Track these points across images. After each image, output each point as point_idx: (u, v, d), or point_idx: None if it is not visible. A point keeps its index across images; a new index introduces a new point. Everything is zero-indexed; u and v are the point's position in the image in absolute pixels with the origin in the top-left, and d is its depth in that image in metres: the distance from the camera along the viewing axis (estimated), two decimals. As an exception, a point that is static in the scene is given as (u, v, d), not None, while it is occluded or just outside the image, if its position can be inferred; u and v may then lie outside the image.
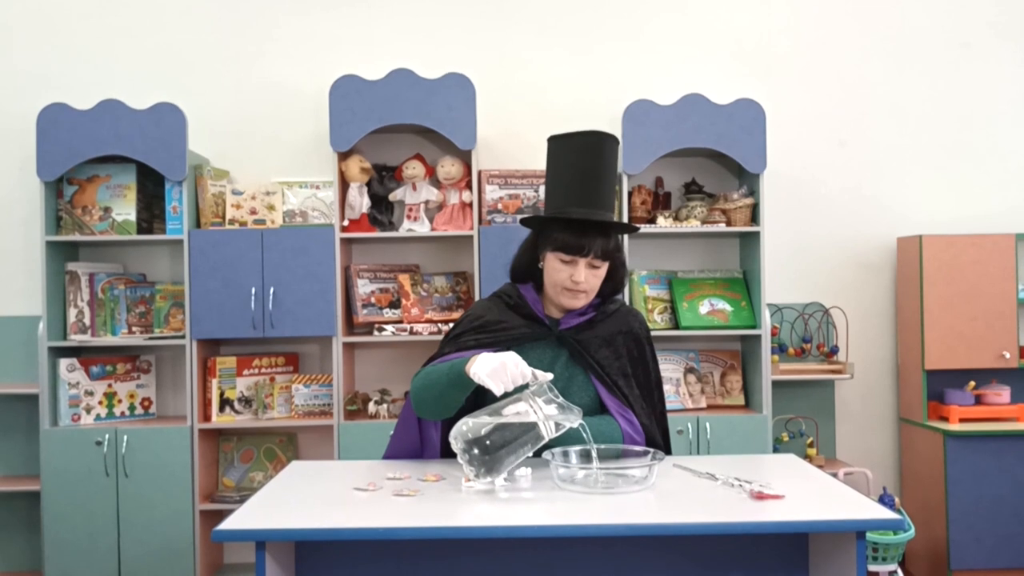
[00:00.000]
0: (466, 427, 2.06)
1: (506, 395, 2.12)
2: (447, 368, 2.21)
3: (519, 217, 3.80)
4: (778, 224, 4.27)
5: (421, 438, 2.40)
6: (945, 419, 4.12)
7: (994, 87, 4.42)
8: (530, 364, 2.33)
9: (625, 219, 3.96)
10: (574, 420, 2.08)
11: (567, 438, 2.18)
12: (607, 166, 2.37)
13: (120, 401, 4.04)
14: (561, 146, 2.40)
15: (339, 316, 3.92)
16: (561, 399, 2.10)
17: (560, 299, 2.36)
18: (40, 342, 3.88)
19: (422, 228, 4.03)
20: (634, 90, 4.21)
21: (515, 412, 2.07)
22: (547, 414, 2.06)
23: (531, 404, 2.07)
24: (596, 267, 2.33)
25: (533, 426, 2.05)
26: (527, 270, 2.44)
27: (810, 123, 4.37)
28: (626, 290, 3.93)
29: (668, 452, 2.44)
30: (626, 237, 3.93)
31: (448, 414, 2.27)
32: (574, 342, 2.38)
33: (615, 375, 2.38)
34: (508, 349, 2.35)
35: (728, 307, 4.09)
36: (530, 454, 2.08)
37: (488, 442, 2.03)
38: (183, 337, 3.95)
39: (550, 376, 2.13)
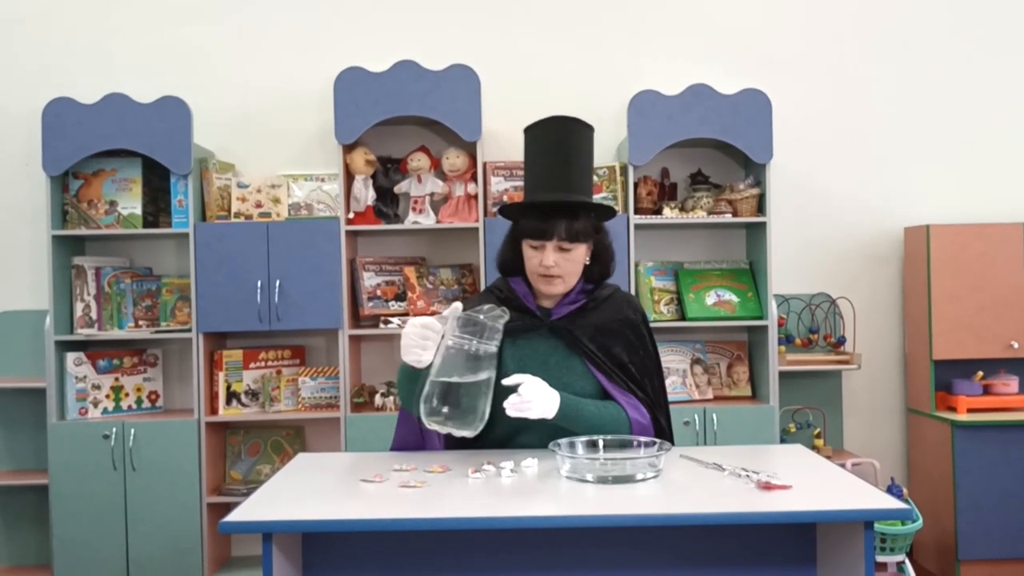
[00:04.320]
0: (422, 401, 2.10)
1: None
2: (400, 366, 2.25)
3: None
4: (784, 214, 4.26)
5: (421, 429, 2.41)
6: (953, 409, 4.10)
7: (1002, 77, 4.40)
8: (525, 356, 2.35)
9: (631, 210, 3.95)
10: (498, 317, 2.11)
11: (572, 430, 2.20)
12: (574, 150, 2.36)
13: (127, 395, 4.05)
14: (531, 135, 2.42)
15: (345, 309, 3.92)
16: (484, 316, 2.11)
17: (538, 286, 2.36)
18: (47, 336, 3.89)
19: (427, 220, 4.03)
20: (639, 81, 4.20)
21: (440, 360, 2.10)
22: (461, 334, 2.09)
23: (452, 340, 2.09)
24: (566, 250, 2.31)
25: (471, 356, 2.09)
26: (512, 262, 2.44)
27: (816, 113, 4.35)
28: (632, 281, 3.92)
29: (670, 436, 2.43)
30: (632, 228, 3.92)
31: None
32: (567, 331, 2.38)
33: (611, 363, 2.37)
34: (500, 343, 2.36)
35: (734, 298, 4.08)
36: (488, 376, 2.10)
37: (440, 399, 2.07)
38: (189, 330, 3.95)
39: (458, 305, 2.16)
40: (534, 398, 2.17)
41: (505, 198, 4.01)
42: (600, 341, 2.38)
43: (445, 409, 2.06)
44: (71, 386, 3.90)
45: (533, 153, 2.40)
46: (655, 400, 2.42)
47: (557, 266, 2.31)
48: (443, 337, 2.11)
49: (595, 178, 4.06)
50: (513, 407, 2.15)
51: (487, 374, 2.10)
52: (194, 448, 3.87)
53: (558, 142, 2.36)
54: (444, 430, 2.11)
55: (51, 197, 3.90)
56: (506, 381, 2.19)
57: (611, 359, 2.37)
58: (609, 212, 2.42)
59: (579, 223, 2.31)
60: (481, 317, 2.09)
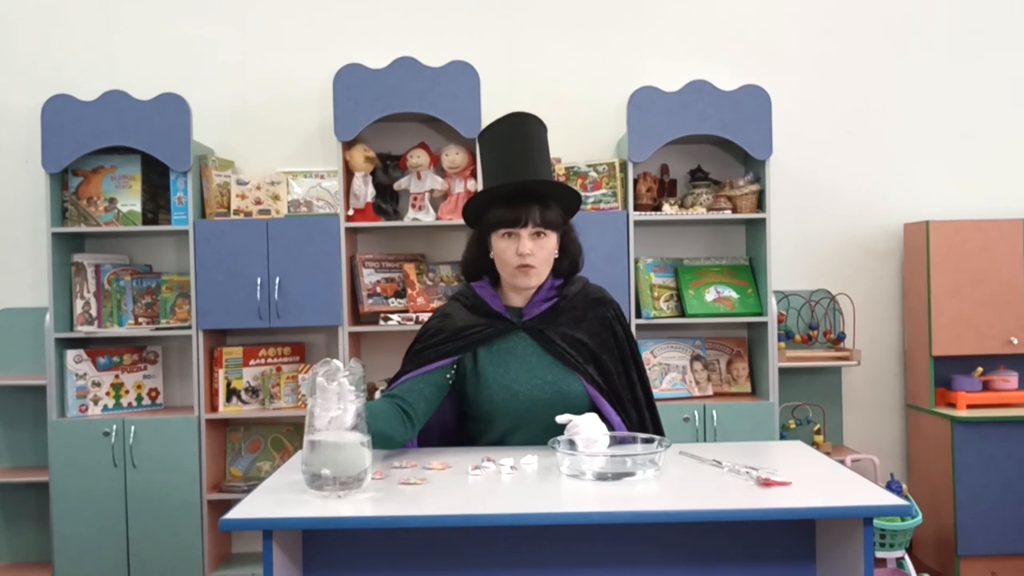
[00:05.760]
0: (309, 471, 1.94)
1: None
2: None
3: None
4: (784, 211, 4.26)
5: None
6: (952, 405, 4.10)
7: (1001, 73, 4.40)
8: (501, 359, 2.35)
9: (631, 207, 3.95)
10: (353, 372, 1.94)
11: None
12: (532, 142, 2.37)
13: (127, 392, 4.05)
14: (486, 138, 2.43)
15: (345, 306, 3.92)
16: (339, 376, 1.94)
17: (514, 280, 2.34)
18: (47, 333, 3.89)
19: (427, 217, 4.03)
20: (639, 77, 4.20)
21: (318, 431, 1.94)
22: (323, 396, 1.92)
23: (317, 403, 1.94)
24: (540, 236, 2.31)
25: (339, 417, 1.92)
26: (477, 265, 2.42)
27: (816, 109, 4.35)
28: (631, 277, 3.92)
29: (658, 427, 2.43)
30: (631, 224, 3.92)
31: (395, 437, 2.26)
32: (539, 332, 2.37)
33: (585, 362, 2.36)
34: (476, 351, 2.37)
35: (734, 294, 4.08)
36: (361, 437, 1.93)
37: (319, 463, 1.91)
38: (189, 328, 3.95)
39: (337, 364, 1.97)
40: (590, 431, 2.17)
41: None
42: (572, 340, 2.36)
43: (326, 472, 1.89)
44: (71, 383, 3.90)
45: (492, 151, 2.40)
46: (633, 397, 2.41)
47: (533, 255, 2.29)
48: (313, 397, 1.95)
49: (594, 174, 4.06)
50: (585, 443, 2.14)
51: (358, 433, 1.94)
52: (194, 445, 3.88)
53: (517, 136, 2.37)
54: (330, 493, 1.90)
55: (50, 194, 3.90)
56: (560, 419, 2.19)
57: (584, 357, 2.36)
58: (576, 198, 2.41)
59: (551, 211, 2.32)
60: (334, 381, 1.92)
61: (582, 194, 4.00)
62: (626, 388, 2.39)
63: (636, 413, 2.39)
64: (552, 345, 2.35)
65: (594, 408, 2.33)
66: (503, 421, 2.35)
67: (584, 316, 2.40)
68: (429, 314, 3.91)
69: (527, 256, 2.29)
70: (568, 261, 2.41)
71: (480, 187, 3.96)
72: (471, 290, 2.43)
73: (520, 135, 2.37)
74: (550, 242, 2.33)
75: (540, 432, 2.26)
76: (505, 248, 2.31)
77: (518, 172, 2.32)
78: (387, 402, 2.30)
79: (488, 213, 2.34)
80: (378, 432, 2.12)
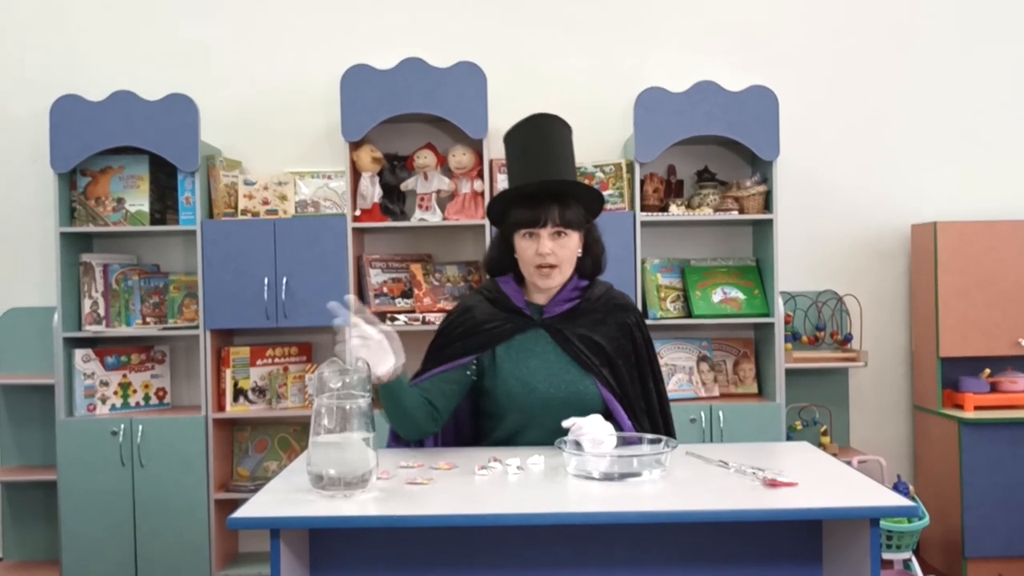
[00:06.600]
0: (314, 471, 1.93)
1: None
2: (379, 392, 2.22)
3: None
4: (791, 211, 4.25)
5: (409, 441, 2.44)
6: (960, 407, 4.09)
7: (1009, 73, 4.38)
8: (520, 355, 2.36)
9: (638, 207, 3.95)
10: (359, 370, 1.96)
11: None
12: (556, 143, 2.38)
13: (135, 391, 4.06)
14: (510, 139, 2.44)
15: (352, 306, 3.91)
16: (348, 373, 1.96)
17: (534, 279, 2.36)
18: (55, 333, 3.90)
19: (434, 217, 4.03)
20: (646, 78, 4.19)
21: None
22: (333, 393, 1.93)
23: (323, 401, 1.94)
24: (561, 236, 2.32)
25: (346, 414, 1.92)
26: (500, 262, 2.44)
27: (823, 110, 4.34)
28: (638, 278, 3.92)
29: (671, 434, 2.43)
30: (638, 225, 3.92)
31: (421, 425, 2.31)
32: (557, 331, 2.38)
33: (601, 365, 2.36)
34: (495, 347, 2.38)
35: (741, 295, 4.08)
36: (368, 434, 1.92)
37: (325, 463, 1.90)
38: (197, 327, 3.96)
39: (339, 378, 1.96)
40: (595, 432, 2.15)
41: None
42: (590, 342, 2.37)
43: (332, 472, 1.88)
44: (79, 383, 3.92)
45: (515, 153, 2.41)
46: (647, 404, 2.41)
47: (553, 254, 2.31)
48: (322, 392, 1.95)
49: (601, 175, 4.06)
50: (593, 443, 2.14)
51: (365, 431, 1.93)
52: (201, 444, 3.89)
53: (539, 136, 2.38)
54: (335, 493, 1.89)
55: (59, 194, 3.92)
56: (565, 423, 2.18)
57: (600, 360, 2.36)
58: (598, 198, 2.42)
59: (571, 210, 2.33)
60: (343, 380, 1.94)
61: (589, 195, 4.02)
62: (640, 396, 2.40)
63: (649, 421, 2.40)
64: (569, 345, 2.36)
65: (607, 411, 2.33)
66: (516, 416, 2.35)
67: (604, 320, 2.41)
68: (436, 314, 3.94)
69: (547, 256, 2.31)
70: (591, 260, 2.42)
71: (487, 187, 3.98)
72: (495, 284, 2.46)
73: (542, 135, 2.38)
74: (571, 242, 2.34)
75: (551, 432, 2.26)
76: (526, 248, 2.33)
77: (538, 172, 2.33)
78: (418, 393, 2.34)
79: (510, 213, 2.36)
80: (407, 410, 2.22)
